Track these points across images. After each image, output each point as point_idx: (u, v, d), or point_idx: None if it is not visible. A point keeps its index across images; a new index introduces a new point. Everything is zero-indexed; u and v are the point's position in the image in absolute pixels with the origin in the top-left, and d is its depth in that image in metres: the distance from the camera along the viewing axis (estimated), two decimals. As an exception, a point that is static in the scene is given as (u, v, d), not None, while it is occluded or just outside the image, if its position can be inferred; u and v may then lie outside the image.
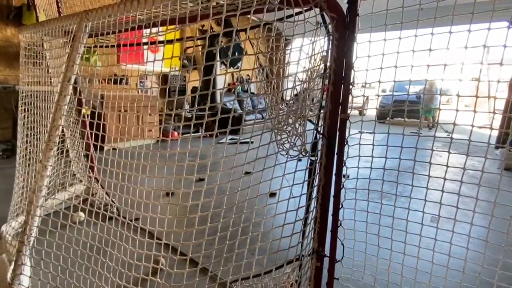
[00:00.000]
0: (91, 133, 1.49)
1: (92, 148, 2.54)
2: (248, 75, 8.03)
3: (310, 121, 1.23)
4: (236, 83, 7.73)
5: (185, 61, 6.07)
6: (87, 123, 2.22)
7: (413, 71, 1.21)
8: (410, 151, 1.21)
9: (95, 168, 2.63)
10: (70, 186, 2.61)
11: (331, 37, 1.09)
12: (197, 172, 1.18)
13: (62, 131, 2.44)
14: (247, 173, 1.26)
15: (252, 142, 1.17)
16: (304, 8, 1.06)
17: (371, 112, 11.29)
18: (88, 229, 1.41)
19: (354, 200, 1.31)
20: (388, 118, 1.21)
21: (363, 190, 1.31)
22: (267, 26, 1.34)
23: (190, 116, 5.09)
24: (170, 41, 1.27)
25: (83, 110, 1.97)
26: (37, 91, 1.98)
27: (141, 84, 5.73)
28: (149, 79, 5.74)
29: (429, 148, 1.18)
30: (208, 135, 5.13)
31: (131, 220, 1.96)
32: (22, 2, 4.06)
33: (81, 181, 2.79)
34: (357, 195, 1.32)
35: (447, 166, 1.14)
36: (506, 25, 1.01)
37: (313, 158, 1.21)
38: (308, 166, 1.21)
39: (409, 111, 1.26)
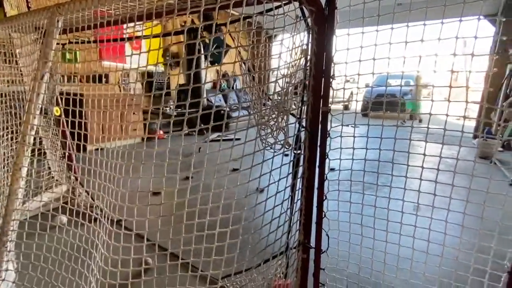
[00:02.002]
0: (71, 133, 1.44)
1: (71, 148, 2.47)
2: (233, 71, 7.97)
3: (293, 114, 1.23)
4: (221, 79, 7.67)
5: (168, 58, 5.97)
6: (64, 122, 2.15)
7: (396, 65, 1.24)
8: (393, 143, 1.22)
9: (74, 168, 2.56)
10: (50, 188, 2.53)
11: (310, 31, 1.09)
12: (184, 171, 1.16)
13: (38, 132, 2.35)
14: (234, 169, 1.26)
15: (238, 139, 1.17)
16: (283, 2, 1.06)
17: (357, 105, 11.47)
18: (73, 231, 1.37)
19: (337, 191, 1.33)
20: (368, 111, 1.23)
21: (347, 181, 1.33)
22: (247, 20, 1.34)
23: (176, 114, 5.02)
24: (153, 36, 1.24)
25: (54, 110, 1.90)
26: (10, 91, 1.90)
27: (124, 82, 5.59)
28: (132, 77, 5.61)
29: (407, 138, 1.21)
30: (194, 133, 5.08)
31: (115, 221, 1.92)
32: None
33: (61, 183, 2.71)
34: (341, 186, 1.34)
35: (424, 155, 1.18)
36: (477, 18, 1.04)
37: (296, 151, 1.22)
38: (291, 159, 1.22)
39: (393, 104, 1.29)
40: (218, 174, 1.12)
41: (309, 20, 1.09)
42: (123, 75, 5.50)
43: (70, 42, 1.91)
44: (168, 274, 1.21)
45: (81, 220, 1.37)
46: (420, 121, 8.56)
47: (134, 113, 5.00)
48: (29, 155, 1.31)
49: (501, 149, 5.18)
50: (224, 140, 1.19)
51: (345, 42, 1.20)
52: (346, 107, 11.14)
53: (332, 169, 1.27)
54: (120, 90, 5.35)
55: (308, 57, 1.13)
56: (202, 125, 1.14)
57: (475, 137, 5.44)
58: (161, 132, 5.02)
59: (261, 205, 1.18)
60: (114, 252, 1.22)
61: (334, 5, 1.06)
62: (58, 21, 1.33)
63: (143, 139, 5.12)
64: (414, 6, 1.14)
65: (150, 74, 5.85)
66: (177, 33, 1.99)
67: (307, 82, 1.13)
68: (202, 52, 4.53)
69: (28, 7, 2.15)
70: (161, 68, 6.02)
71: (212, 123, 1.12)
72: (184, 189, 1.15)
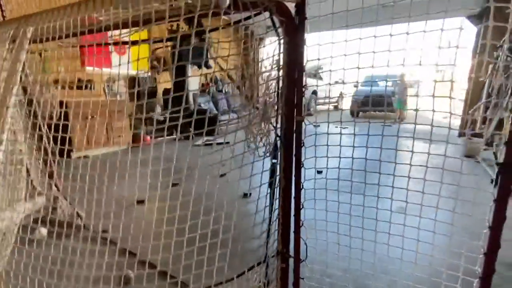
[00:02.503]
0: (53, 141, 1.40)
1: (50, 157, 2.41)
2: (221, 74, 7.96)
3: (271, 123, 1.23)
4: (210, 84, 7.63)
5: (155, 62, 5.91)
6: (45, 131, 2.10)
7: (382, 66, 1.21)
8: (381, 143, 1.21)
9: (55, 178, 2.50)
10: (29, 199, 2.46)
11: (281, 41, 1.09)
12: (170, 177, 1.14)
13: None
14: (222, 175, 1.24)
15: (227, 143, 1.15)
16: (253, 12, 1.06)
17: (346, 106, 11.57)
18: (52, 243, 1.33)
19: (313, 200, 1.33)
20: (355, 112, 1.23)
21: (323, 189, 1.33)
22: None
23: (163, 119, 4.96)
24: (136, 42, 1.22)
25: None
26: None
27: (108, 87, 5.52)
28: (117, 83, 5.53)
29: (394, 135, 1.19)
30: (182, 138, 5.04)
31: (97, 232, 1.89)
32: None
33: (41, 193, 2.64)
34: (320, 193, 1.34)
35: (412, 152, 1.16)
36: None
37: (274, 160, 1.22)
38: (270, 168, 1.22)
39: (381, 104, 1.29)
40: (203, 180, 1.10)
41: (279, 30, 1.09)
42: (109, 80, 5.43)
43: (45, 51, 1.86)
44: (146, 284, 1.19)
45: (64, 235, 1.33)
46: (402, 120, 8.63)
47: (118, 120, 4.94)
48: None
49: (485, 147, 5.29)
50: (208, 144, 1.17)
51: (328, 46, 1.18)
52: (336, 108, 11.27)
53: (319, 172, 1.26)
54: (106, 96, 5.28)
55: (280, 66, 1.12)
56: (191, 129, 1.13)
57: (460, 135, 5.54)
58: (148, 138, 4.96)
59: (247, 212, 1.17)
60: (95, 266, 1.19)
61: (304, 15, 1.06)
62: (27, 32, 1.30)
63: (128, 145, 5.05)
64: (397, 9, 1.14)
65: (135, 79, 5.78)
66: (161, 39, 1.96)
67: (280, 92, 1.12)
68: (189, 56, 4.50)
69: (3, 17, 2.09)
70: (147, 72, 5.96)
71: (205, 127, 1.10)
72: (168, 197, 1.13)
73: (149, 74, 5.90)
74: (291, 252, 1.29)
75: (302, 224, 1.29)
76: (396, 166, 1.23)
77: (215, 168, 1.09)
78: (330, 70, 1.26)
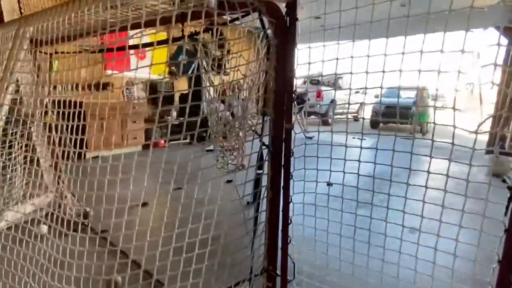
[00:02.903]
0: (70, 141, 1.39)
1: (59, 156, 2.46)
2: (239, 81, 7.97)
3: (255, 131, 1.15)
4: (228, 91, 7.66)
5: (173, 68, 6.02)
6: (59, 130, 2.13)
7: (406, 77, 1.10)
8: (397, 157, 1.08)
9: (62, 177, 2.55)
10: (36, 197, 2.52)
11: (270, 43, 1.02)
12: (176, 181, 1.10)
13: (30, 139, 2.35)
14: (228, 181, 1.17)
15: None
16: (241, 13, 1.00)
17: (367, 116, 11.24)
18: (52, 240, 1.32)
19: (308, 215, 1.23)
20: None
21: (311, 205, 1.23)
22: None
23: (178, 123, 5.01)
24: (152, 44, 1.19)
25: (48, 118, 1.89)
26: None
27: (128, 91, 5.67)
28: (136, 87, 5.68)
29: (408, 152, 1.05)
30: (196, 143, 5.06)
31: (96, 233, 1.88)
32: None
33: (51, 191, 2.70)
34: (309, 210, 1.24)
35: (428, 172, 1.00)
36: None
37: (259, 171, 1.14)
38: (254, 178, 1.14)
39: (402, 116, 1.17)
40: (207, 185, 1.05)
41: (268, 31, 1.02)
42: (128, 83, 5.58)
43: (68, 53, 1.90)
44: None
45: (63, 230, 1.32)
46: (424, 133, 8.17)
47: (134, 122, 5.04)
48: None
49: (515, 165, 4.87)
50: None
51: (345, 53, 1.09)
52: (355, 118, 10.93)
53: (329, 184, 1.18)
54: (124, 98, 5.42)
55: (268, 71, 1.05)
56: (204, 135, 1.08)
57: (487, 152, 5.14)
58: (162, 141, 5.02)
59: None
60: (88, 265, 1.16)
61: (295, 16, 0.99)
62: (25, 32, 1.32)
63: (143, 147, 5.14)
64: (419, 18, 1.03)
65: (152, 84, 5.92)
66: (176, 40, 1.92)
67: (266, 97, 1.05)
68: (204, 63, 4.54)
69: (21, 13, 2.17)
70: (166, 77, 6.09)
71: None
72: (172, 200, 1.07)
73: (167, 79, 6.02)
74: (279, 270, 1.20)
75: (290, 241, 1.20)
76: (411, 182, 1.08)
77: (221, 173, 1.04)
78: (351, 73, 1.15)
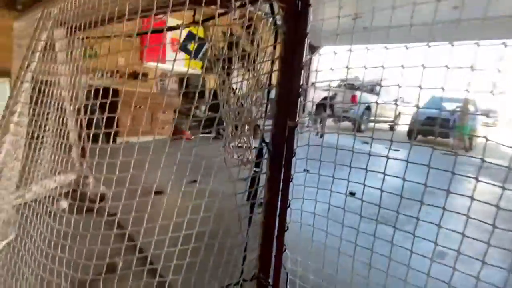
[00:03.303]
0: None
1: (85, 138, 2.57)
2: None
3: (258, 126, 1.07)
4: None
5: (208, 63, 6.12)
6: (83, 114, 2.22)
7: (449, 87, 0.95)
8: (432, 175, 0.88)
9: (87, 156, 2.66)
10: (61, 174, 2.67)
11: (278, 31, 0.93)
12: (194, 174, 1.07)
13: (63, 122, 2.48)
14: (243, 179, 1.12)
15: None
16: (249, -3, 0.92)
17: (403, 128, 10.55)
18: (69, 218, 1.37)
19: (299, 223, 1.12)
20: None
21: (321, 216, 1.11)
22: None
23: (205, 117, 5.06)
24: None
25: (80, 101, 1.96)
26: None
27: (161, 82, 5.86)
28: (169, 79, 5.85)
29: (449, 171, 0.84)
30: (220, 137, 5.09)
31: (111, 215, 1.92)
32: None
33: (76, 170, 2.85)
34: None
35: (472, 198, 0.80)
36: None
37: (256, 169, 1.05)
38: (250, 175, 1.05)
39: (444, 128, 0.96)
40: (222, 180, 1.01)
41: (277, 18, 0.93)
42: (162, 75, 5.77)
43: (99, 37, 1.95)
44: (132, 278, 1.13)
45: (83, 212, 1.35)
46: (467, 150, 7.34)
47: (164, 112, 5.19)
48: (7, 141, 1.34)
49: None
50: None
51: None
52: (391, 128, 10.30)
53: (352, 194, 1.04)
54: (156, 90, 5.61)
55: (275, 61, 0.96)
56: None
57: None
58: (188, 133, 5.11)
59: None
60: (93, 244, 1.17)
61: (308, 1, 0.89)
62: (50, 13, 1.36)
63: (170, 137, 5.27)
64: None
65: (185, 77, 6.04)
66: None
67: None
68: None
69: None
70: (198, 70, 6.20)
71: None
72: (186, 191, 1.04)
73: (200, 73, 6.12)
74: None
75: (285, 249, 1.09)
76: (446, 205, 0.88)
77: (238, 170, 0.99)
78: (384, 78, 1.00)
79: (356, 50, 0.97)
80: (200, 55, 5.33)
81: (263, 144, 1.00)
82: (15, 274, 1.37)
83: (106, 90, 1.51)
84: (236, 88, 1.11)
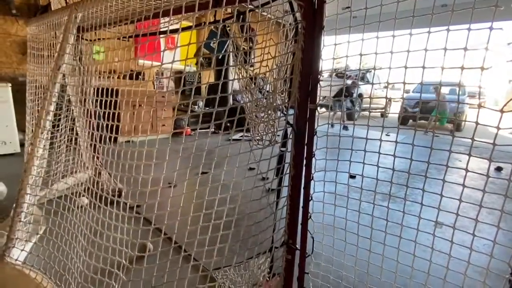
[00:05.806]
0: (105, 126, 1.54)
1: (97, 138, 2.67)
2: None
3: (281, 110, 1.22)
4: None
5: (202, 60, 6.19)
6: (96, 115, 2.32)
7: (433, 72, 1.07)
8: (426, 155, 1.05)
9: (100, 156, 2.76)
10: (76, 173, 2.77)
11: (299, 26, 1.07)
12: (203, 166, 1.21)
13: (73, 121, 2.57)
14: (250, 169, 1.27)
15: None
16: (271, -4, 1.06)
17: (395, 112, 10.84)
18: (92, 212, 1.48)
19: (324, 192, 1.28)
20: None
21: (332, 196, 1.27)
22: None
23: (203, 113, 5.17)
24: (182, 29, 1.27)
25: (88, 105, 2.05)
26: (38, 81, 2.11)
27: (158, 81, 5.92)
28: (166, 76, 5.92)
29: (445, 150, 1.00)
30: (221, 132, 5.21)
31: (132, 207, 2.04)
32: (49, 1, 4.35)
33: (89, 168, 2.95)
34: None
35: (466, 170, 0.95)
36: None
37: (283, 148, 1.20)
38: (279, 153, 1.21)
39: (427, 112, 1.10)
40: (232, 171, 1.15)
41: (297, 15, 1.07)
42: (158, 73, 5.82)
43: (99, 39, 2.06)
44: (164, 260, 1.26)
45: (103, 205, 1.47)
46: (451, 131, 7.61)
47: (164, 110, 5.27)
48: (44, 138, 1.45)
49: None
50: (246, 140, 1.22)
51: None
52: (382, 115, 10.60)
53: (352, 176, 1.18)
54: (154, 87, 5.68)
55: (296, 52, 1.11)
56: (228, 125, 1.17)
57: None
58: (189, 129, 5.22)
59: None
60: (122, 233, 1.29)
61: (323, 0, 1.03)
62: (75, 17, 1.46)
63: (171, 134, 5.37)
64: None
65: (181, 74, 6.11)
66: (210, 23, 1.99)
67: (292, 78, 1.10)
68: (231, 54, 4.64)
69: (66, 2, 2.34)
70: (193, 67, 6.27)
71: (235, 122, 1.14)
72: (196, 183, 1.16)
73: (195, 70, 6.20)
74: (298, 245, 1.26)
75: (310, 217, 1.26)
76: (441, 180, 1.05)
77: (245, 161, 1.13)
78: (375, 68, 1.16)
79: (345, 40, 1.13)
80: (223, 51, 5.40)
81: (288, 125, 1.15)
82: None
83: (107, 91, 1.61)
84: (260, 79, 1.25)
